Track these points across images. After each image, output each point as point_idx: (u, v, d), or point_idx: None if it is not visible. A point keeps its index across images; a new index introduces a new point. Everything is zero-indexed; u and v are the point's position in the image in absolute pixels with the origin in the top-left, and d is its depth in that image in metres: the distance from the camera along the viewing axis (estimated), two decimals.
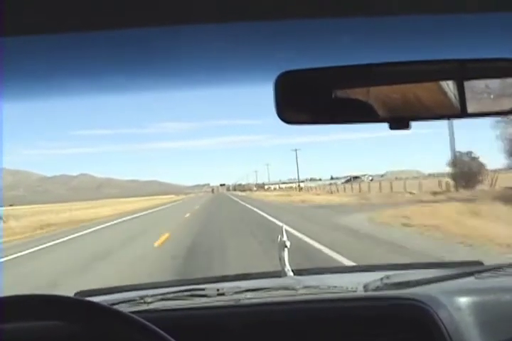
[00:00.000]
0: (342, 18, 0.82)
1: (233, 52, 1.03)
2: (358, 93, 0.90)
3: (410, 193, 30.80)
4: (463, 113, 0.88)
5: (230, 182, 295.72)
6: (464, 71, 0.89)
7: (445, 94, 0.89)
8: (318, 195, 50.22)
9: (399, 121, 0.89)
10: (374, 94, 0.89)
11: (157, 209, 44.61)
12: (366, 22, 0.86)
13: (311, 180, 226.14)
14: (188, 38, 0.91)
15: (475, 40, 1.02)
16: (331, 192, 53.11)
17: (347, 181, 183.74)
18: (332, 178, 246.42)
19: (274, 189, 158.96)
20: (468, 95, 0.88)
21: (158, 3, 0.73)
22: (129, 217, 30.57)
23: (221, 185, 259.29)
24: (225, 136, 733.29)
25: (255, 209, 27.10)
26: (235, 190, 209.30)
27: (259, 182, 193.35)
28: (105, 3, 0.72)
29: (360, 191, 46.29)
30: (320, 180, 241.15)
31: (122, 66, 1.10)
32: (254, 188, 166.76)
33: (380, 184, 48.88)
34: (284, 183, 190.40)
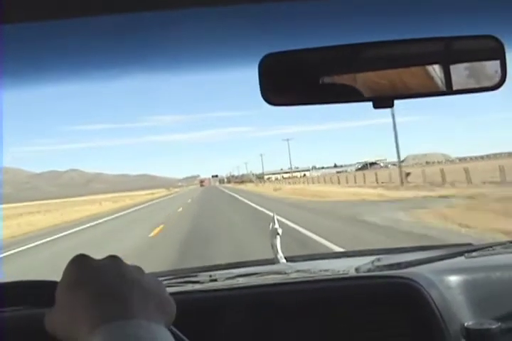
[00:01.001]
0: None
1: (220, 36, 1.03)
2: (341, 73, 0.90)
3: None
4: (447, 90, 0.89)
5: (223, 173, 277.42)
6: (448, 49, 0.90)
7: (428, 71, 0.89)
8: None
9: (383, 100, 0.89)
10: (358, 74, 0.89)
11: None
12: (349, 3, 0.88)
13: (314, 168, 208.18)
14: (173, 23, 0.90)
15: (459, 20, 1.04)
16: None
17: (361, 168, 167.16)
18: (336, 166, 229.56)
19: (276, 179, 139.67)
20: (451, 73, 0.89)
21: None
22: None
23: (213, 176, 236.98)
24: (217, 128, 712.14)
25: None
26: (229, 182, 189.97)
27: (257, 172, 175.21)
28: None
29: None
30: (323, 168, 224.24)
31: (111, 55, 1.09)
32: (254, 179, 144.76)
33: (423, 171, 31.91)
34: (286, 173, 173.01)
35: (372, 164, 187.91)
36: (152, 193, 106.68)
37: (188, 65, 1.21)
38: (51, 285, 0.61)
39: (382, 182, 35.35)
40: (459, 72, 0.89)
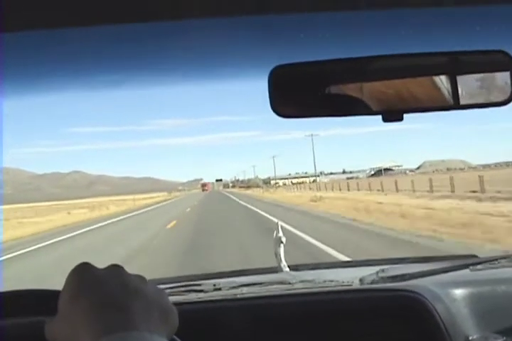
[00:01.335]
0: (334, 12, 0.84)
1: (228, 46, 1.04)
2: (351, 86, 0.90)
3: None
4: (456, 105, 0.89)
5: (227, 177, 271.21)
6: (457, 63, 0.90)
7: (438, 86, 0.89)
8: None
9: (392, 114, 0.89)
10: (368, 87, 0.89)
11: None
12: (359, 16, 0.89)
13: (322, 174, 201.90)
14: (182, 33, 0.92)
15: (467, 34, 1.05)
16: None
17: (373, 174, 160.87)
18: (344, 172, 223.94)
19: (284, 184, 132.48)
20: (461, 87, 0.89)
21: None
22: None
23: (217, 180, 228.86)
24: (221, 132, 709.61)
25: None
26: (233, 186, 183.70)
27: (262, 177, 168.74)
28: None
29: None
30: (331, 173, 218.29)
31: (117, 61, 1.10)
32: (261, 185, 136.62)
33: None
34: (294, 178, 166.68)
35: (386, 170, 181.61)
36: (144, 198, 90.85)
37: (197, 74, 1.22)
38: (54, 294, 0.61)
39: (471, 191, 22.06)
40: (469, 87, 0.89)
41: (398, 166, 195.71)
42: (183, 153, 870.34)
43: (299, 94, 0.90)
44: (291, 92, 0.90)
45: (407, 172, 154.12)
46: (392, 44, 1.03)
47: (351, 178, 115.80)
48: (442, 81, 0.89)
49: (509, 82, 0.88)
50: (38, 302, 0.65)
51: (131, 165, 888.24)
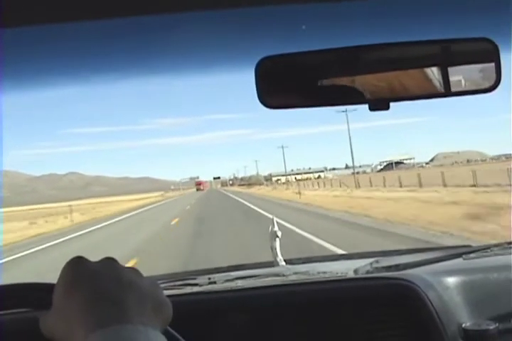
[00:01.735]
0: (321, 2, 0.84)
1: (216, 40, 1.04)
2: (338, 76, 0.90)
3: None
4: (443, 92, 0.89)
5: (225, 175, 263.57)
6: (443, 51, 0.90)
7: (424, 74, 0.90)
8: None
9: (378, 102, 0.89)
10: (354, 77, 0.90)
11: None
12: (346, 6, 0.88)
13: (325, 169, 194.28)
14: (171, 27, 0.92)
15: (456, 23, 1.06)
16: None
17: (383, 168, 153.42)
18: (347, 167, 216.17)
19: (288, 181, 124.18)
20: (447, 75, 0.89)
21: None
22: None
23: (215, 178, 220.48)
24: (218, 130, 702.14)
25: None
26: (232, 184, 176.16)
27: (261, 173, 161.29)
28: None
29: None
30: (334, 169, 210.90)
31: (111, 59, 1.10)
32: (264, 182, 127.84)
33: None
34: (297, 174, 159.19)
35: (397, 163, 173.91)
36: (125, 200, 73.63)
37: (187, 68, 1.24)
38: (49, 287, 0.61)
39: None
40: (455, 74, 0.89)
41: (410, 159, 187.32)
42: (181, 152, 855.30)
43: (285, 85, 0.90)
44: (277, 83, 0.90)
45: (424, 164, 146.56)
46: (378, 34, 1.02)
47: (357, 173, 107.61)
48: (429, 69, 0.89)
49: (494, 68, 0.88)
50: (32, 295, 0.65)
51: (129, 166, 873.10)
